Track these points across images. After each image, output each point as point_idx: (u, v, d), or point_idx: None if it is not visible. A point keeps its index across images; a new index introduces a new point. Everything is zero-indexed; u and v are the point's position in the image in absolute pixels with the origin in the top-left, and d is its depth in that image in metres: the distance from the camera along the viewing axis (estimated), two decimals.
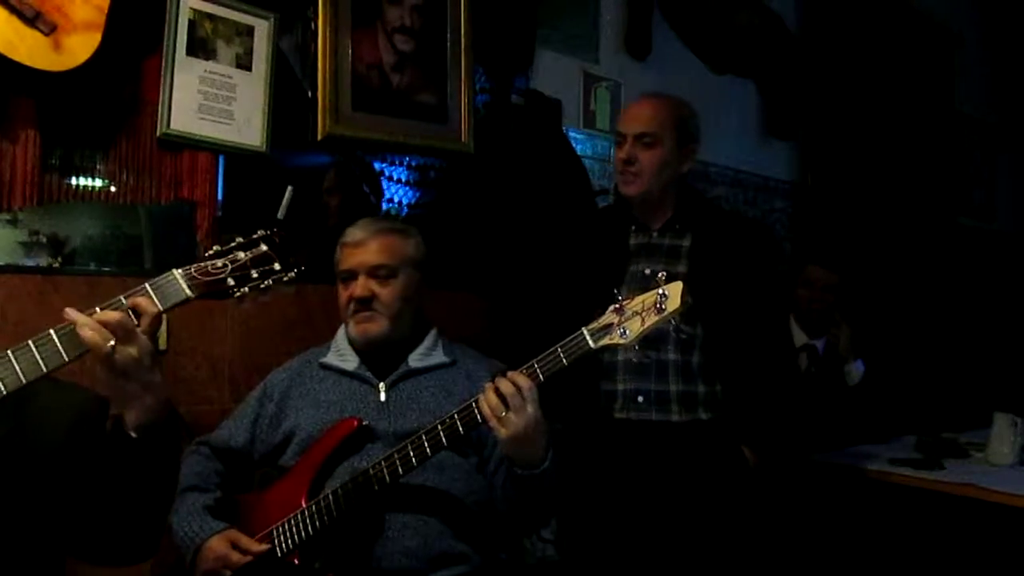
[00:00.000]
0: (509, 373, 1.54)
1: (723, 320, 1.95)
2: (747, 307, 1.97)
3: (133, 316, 1.09)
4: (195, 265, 1.17)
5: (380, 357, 1.82)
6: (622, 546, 1.98)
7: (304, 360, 1.89)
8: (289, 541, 1.61)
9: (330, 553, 1.61)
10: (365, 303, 1.78)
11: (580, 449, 1.96)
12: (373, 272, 1.78)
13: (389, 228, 1.85)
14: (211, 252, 1.20)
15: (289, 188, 2.04)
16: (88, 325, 1.04)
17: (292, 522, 1.61)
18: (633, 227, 2.11)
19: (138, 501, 1.14)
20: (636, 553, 1.96)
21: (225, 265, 1.18)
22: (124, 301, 1.10)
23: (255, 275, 1.21)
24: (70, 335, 1.06)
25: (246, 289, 1.20)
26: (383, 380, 1.79)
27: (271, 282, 1.22)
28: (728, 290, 1.94)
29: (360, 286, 1.78)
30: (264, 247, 1.22)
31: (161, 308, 1.12)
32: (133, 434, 1.09)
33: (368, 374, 1.80)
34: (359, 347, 1.83)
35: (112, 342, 1.04)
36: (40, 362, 1.06)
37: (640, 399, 1.99)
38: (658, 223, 2.09)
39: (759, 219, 3.43)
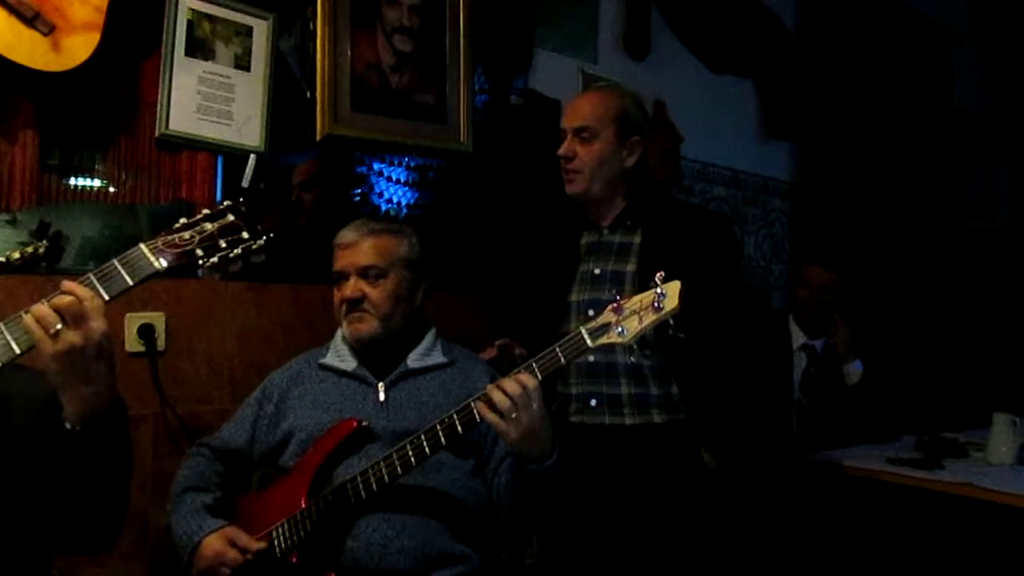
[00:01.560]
0: (509, 375, 1.53)
1: (675, 320, 1.88)
2: (701, 305, 1.79)
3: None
4: (161, 238, 1.17)
5: (378, 357, 1.82)
6: (582, 552, 1.95)
7: (303, 361, 1.90)
8: (288, 541, 1.61)
9: (330, 553, 1.61)
10: (355, 304, 1.78)
11: None
12: (363, 273, 1.79)
13: (381, 228, 1.85)
14: (178, 225, 1.21)
15: (252, 156, 2.04)
16: (33, 311, 1.04)
17: (292, 522, 1.61)
18: (585, 225, 2.06)
19: (82, 492, 1.13)
20: (596, 558, 1.93)
21: (192, 236, 1.19)
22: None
23: (223, 244, 1.21)
24: None
25: (215, 259, 1.20)
26: (382, 380, 1.79)
27: (240, 251, 1.22)
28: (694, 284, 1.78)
29: (350, 287, 1.79)
30: (231, 217, 1.23)
31: (106, 296, 1.11)
32: (69, 425, 1.09)
33: (367, 374, 1.81)
34: (354, 347, 1.84)
35: (57, 327, 1.04)
36: (11, 343, 1.07)
37: (593, 402, 1.94)
38: (608, 220, 2.01)
39: (721, 213, 3.36)
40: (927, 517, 2.38)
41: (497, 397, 1.50)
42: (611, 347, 1.86)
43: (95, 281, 1.11)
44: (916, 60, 4.27)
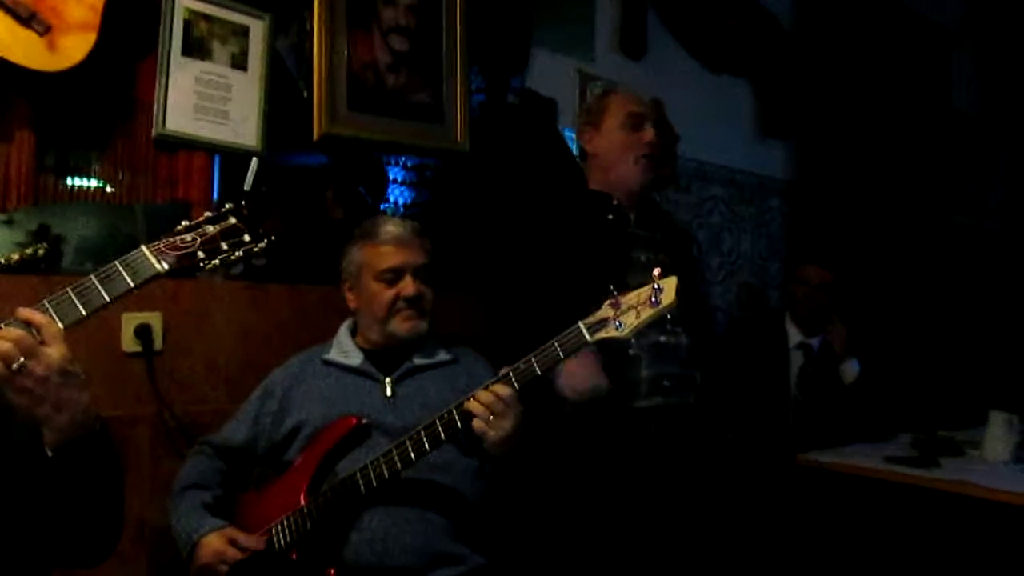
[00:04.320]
0: (488, 383, 1.57)
1: (694, 309, 2.00)
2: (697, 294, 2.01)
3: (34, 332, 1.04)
4: (163, 240, 1.17)
5: (385, 355, 1.84)
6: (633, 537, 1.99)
7: (305, 358, 1.90)
8: (288, 538, 1.61)
9: (330, 549, 1.61)
10: (416, 302, 1.80)
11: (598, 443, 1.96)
12: (418, 272, 1.81)
13: (420, 228, 1.88)
14: (180, 227, 1.20)
15: (255, 159, 2.05)
16: None
17: (291, 519, 1.62)
18: (617, 216, 2.13)
19: (69, 514, 1.13)
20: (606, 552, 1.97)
21: (194, 239, 1.19)
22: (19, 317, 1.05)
23: (225, 247, 1.21)
24: None
25: (217, 261, 1.20)
26: (388, 376, 1.80)
27: (242, 253, 1.22)
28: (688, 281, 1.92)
29: (413, 285, 1.80)
30: (233, 220, 1.23)
31: (61, 325, 1.07)
32: (50, 452, 1.07)
33: (373, 370, 1.82)
34: (361, 347, 1.85)
35: (15, 364, 1.01)
36: None
37: (666, 383, 2.03)
38: (633, 215, 2.15)
39: None
40: (923, 515, 2.39)
41: (473, 406, 1.55)
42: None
43: (96, 283, 1.10)
44: (913, 59, 4.28)
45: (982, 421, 2.70)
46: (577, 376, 1.85)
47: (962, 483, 2.32)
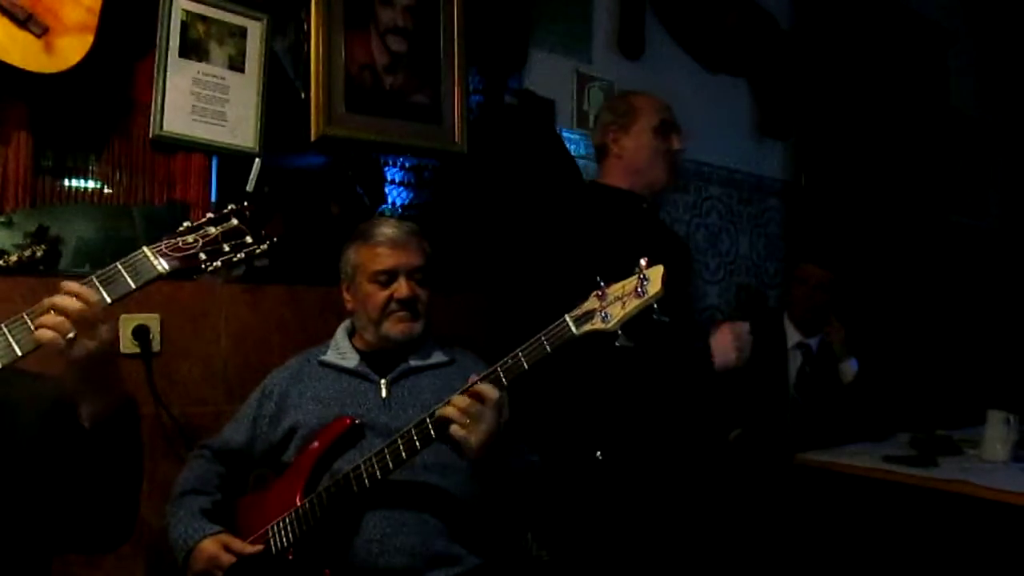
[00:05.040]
0: (469, 384, 1.55)
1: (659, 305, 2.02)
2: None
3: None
4: (165, 241, 1.17)
5: (381, 356, 1.84)
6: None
7: (303, 359, 1.90)
8: (284, 539, 1.61)
9: (327, 550, 1.61)
10: (409, 304, 1.79)
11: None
12: (412, 273, 1.80)
13: (417, 228, 1.87)
14: (182, 228, 1.20)
15: (257, 160, 2.05)
16: (45, 320, 1.03)
17: (287, 520, 1.62)
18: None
19: (98, 490, 1.15)
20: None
21: (196, 240, 1.19)
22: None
23: (227, 249, 1.21)
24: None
25: (218, 263, 1.20)
26: (384, 377, 1.80)
27: (244, 255, 1.22)
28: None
29: (407, 287, 1.79)
30: (235, 221, 1.23)
31: (109, 299, 1.10)
32: (87, 426, 1.10)
33: (369, 371, 1.82)
34: (357, 347, 1.85)
35: (71, 334, 1.03)
36: (14, 345, 1.05)
37: None
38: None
39: None
40: (922, 514, 2.39)
41: (450, 412, 1.52)
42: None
43: (98, 284, 1.10)
44: (911, 58, 4.28)
45: (980, 420, 2.70)
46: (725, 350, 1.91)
47: (960, 482, 2.32)
